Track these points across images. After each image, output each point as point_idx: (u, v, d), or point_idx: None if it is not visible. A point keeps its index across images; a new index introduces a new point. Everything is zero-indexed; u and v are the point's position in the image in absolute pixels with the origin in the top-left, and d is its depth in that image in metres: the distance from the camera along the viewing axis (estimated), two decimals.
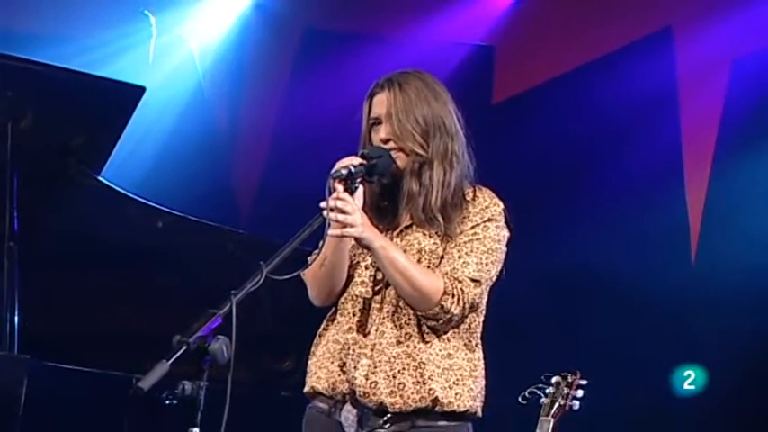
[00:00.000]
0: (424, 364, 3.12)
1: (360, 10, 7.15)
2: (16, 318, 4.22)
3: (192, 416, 2.70)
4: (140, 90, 4.58)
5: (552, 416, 4.07)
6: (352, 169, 3.07)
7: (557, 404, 4.08)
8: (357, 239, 3.10)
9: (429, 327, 3.14)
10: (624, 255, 6.22)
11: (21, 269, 4.28)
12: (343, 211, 3.01)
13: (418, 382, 3.11)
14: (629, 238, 6.27)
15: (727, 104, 6.41)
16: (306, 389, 3.24)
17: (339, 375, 3.15)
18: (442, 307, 3.09)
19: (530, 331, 6.11)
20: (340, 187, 3.03)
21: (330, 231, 3.01)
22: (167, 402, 2.69)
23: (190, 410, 2.70)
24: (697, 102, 6.49)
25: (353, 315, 3.18)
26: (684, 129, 6.53)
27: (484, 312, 3.26)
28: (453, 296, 3.09)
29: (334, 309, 3.24)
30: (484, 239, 3.17)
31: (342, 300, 3.22)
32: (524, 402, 4.05)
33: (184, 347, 2.68)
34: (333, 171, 3.06)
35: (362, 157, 3.12)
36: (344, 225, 3.02)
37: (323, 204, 3.00)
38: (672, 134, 6.52)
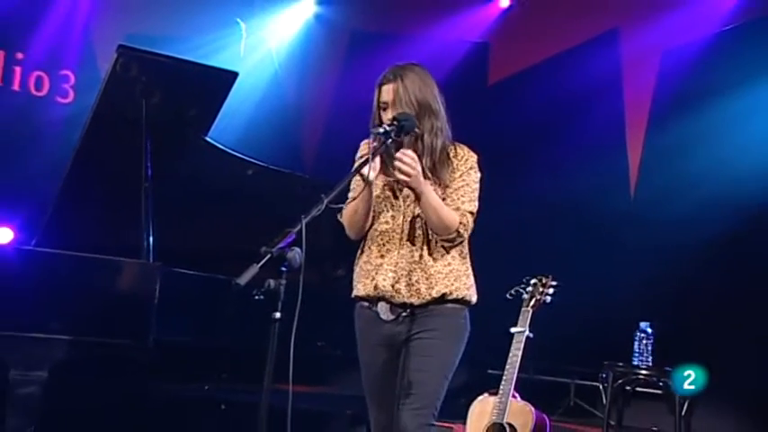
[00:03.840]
0: (432, 274, 3.18)
1: (390, 17, 7.15)
2: (151, 237, 4.27)
3: (274, 304, 2.75)
4: (234, 75, 4.55)
5: (531, 307, 4.10)
6: (387, 128, 3.09)
7: (534, 299, 4.11)
8: (410, 186, 3.12)
9: (442, 246, 3.18)
10: (582, 191, 6.25)
11: (153, 203, 4.32)
12: (411, 166, 3.05)
13: (429, 286, 3.18)
14: (587, 179, 6.28)
15: (657, 83, 6.41)
16: (353, 294, 3.30)
17: (373, 288, 3.21)
18: (458, 233, 3.17)
19: (515, 245, 6.11)
20: (410, 152, 3.06)
21: (397, 175, 3.05)
22: (256, 297, 2.72)
23: (273, 300, 2.75)
24: (636, 81, 6.50)
25: (383, 245, 3.22)
26: (626, 101, 6.54)
27: None
28: (464, 225, 3.18)
29: (364, 241, 3.28)
30: (470, 183, 3.23)
31: (372, 234, 3.25)
32: (510, 297, 4.08)
33: (269, 255, 2.72)
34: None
35: (394, 119, 3.13)
36: (408, 174, 3.06)
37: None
38: (617, 106, 6.54)
